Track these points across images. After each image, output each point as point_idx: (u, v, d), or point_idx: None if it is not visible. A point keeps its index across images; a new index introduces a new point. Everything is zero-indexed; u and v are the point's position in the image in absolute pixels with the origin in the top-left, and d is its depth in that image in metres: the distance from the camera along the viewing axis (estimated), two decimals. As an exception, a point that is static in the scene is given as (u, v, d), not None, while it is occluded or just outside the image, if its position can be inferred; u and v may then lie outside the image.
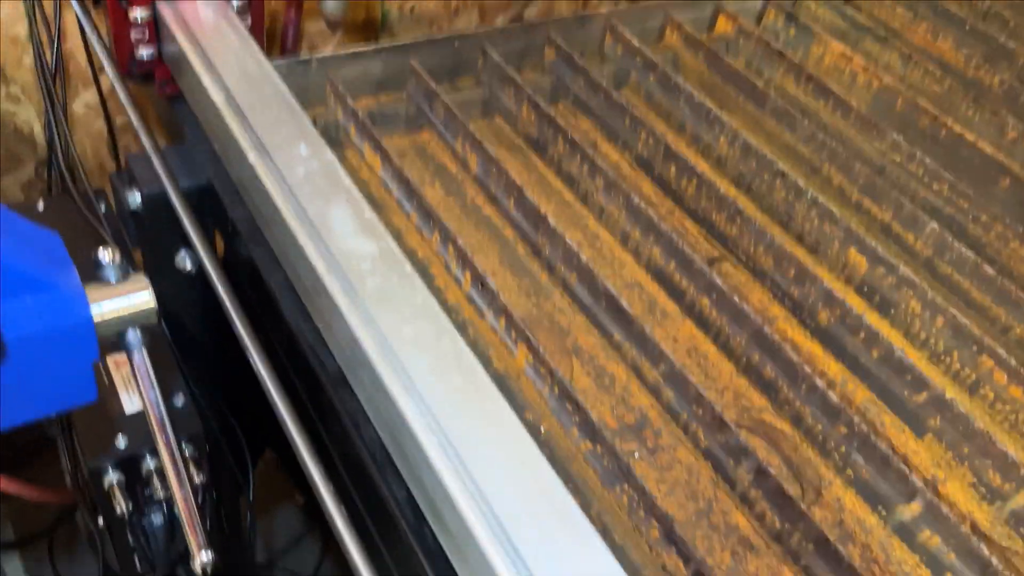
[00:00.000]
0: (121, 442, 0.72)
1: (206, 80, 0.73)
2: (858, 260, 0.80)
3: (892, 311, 0.79)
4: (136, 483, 0.73)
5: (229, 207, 0.75)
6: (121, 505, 0.71)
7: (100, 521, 0.76)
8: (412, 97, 0.92)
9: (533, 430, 0.67)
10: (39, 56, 1.08)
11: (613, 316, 0.73)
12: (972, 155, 0.91)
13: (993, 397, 0.73)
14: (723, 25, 1.09)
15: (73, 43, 1.11)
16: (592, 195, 0.85)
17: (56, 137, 1.10)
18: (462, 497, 0.47)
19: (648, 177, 0.91)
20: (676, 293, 0.79)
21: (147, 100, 1.06)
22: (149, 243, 0.81)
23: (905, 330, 0.78)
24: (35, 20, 1.05)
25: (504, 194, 0.82)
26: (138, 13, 0.78)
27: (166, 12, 0.79)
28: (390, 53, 0.92)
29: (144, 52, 0.81)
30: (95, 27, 0.88)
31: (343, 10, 1.10)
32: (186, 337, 0.87)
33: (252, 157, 0.66)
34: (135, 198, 0.76)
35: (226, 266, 0.73)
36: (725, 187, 0.87)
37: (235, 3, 0.82)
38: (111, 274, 0.54)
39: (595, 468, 0.64)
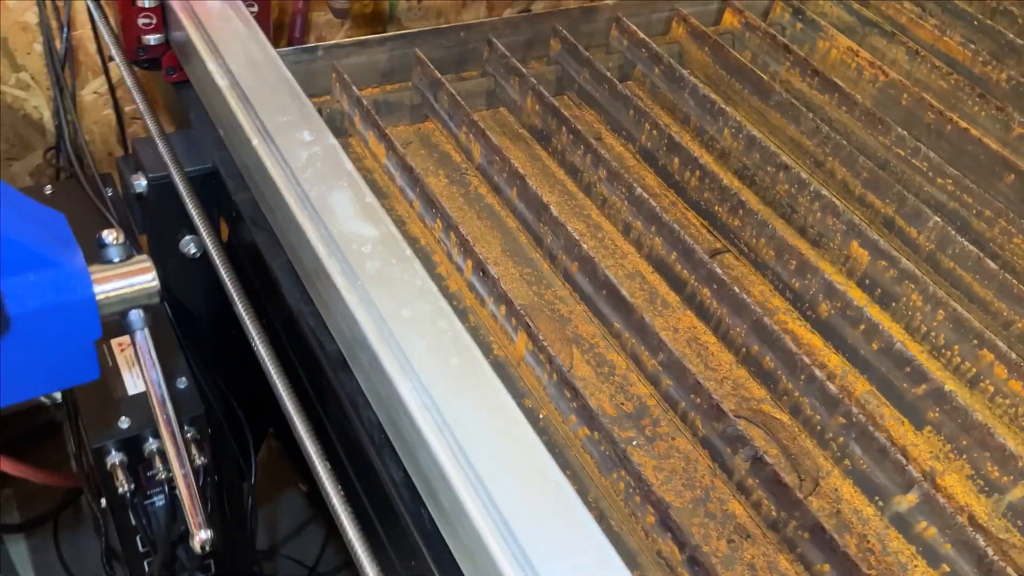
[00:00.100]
0: (124, 423, 0.72)
1: (212, 66, 0.73)
2: (860, 253, 0.81)
3: (893, 304, 0.79)
4: (138, 464, 0.74)
5: (233, 191, 0.76)
6: (123, 485, 0.71)
7: (103, 502, 0.77)
8: (417, 87, 0.92)
9: (532, 417, 0.67)
10: (49, 44, 1.09)
11: (613, 305, 0.73)
12: (977, 150, 0.91)
13: (993, 391, 0.73)
14: (730, 19, 1.09)
15: (83, 31, 1.12)
16: (595, 186, 0.85)
17: (64, 124, 1.11)
18: (456, 475, 0.47)
19: (651, 169, 0.91)
20: (677, 284, 0.79)
21: (154, 87, 1.06)
22: (154, 227, 0.81)
23: (906, 324, 0.78)
24: (45, 8, 1.06)
25: (507, 184, 0.82)
26: (146, 0, 0.78)
27: (174, 0, 0.80)
28: (396, 43, 0.92)
29: (151, 39, 0.81)
30: (104, 15, 0.89)
31: (349, 1, 1.10)
32: (190, 320, 0.87)
33: (256, 142, 0.67)
34: (141, 182, 0.77)
35: (230, 250, 0.74)
36: (728, 179, 0.87)
37: (242, -9, 0.83)
38: (115, 254, 0.55)
39: (592, 455, 0.64)
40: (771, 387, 0.72)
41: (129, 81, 0.78)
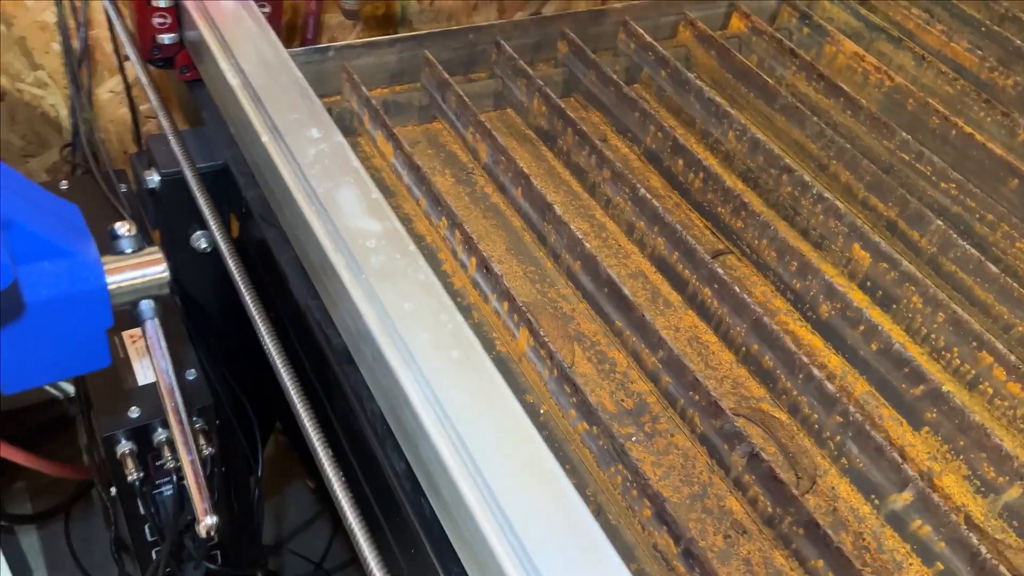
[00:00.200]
0: (134, 412, 0.74)
1: (224, 65, 0.75)
2: (861, 255, 0.81)
3: (894, 307, 0.80)
4: (147, 453, 0.75)
5: (243, 188, 0.77)
6: (133, 473, 0.73)
7: (113, 491, 0.79)
8: (426, 87, 0.93)
9: (533, 412, 0.68)
10: (66, 43, 1.11)
11: (615, 303, 0.74)
12: (982, 155, 0.92)
13: (992, 393, 0.74)
14: (737, 23, 1.10)
15: (99, 31, 1.14)
16: (599, 186, 0.86)
17: (81, 121, 1.13)
18: (455, 465, 0.48)
19: (656, 170, 0.92)
20: (679, 284, 0.80)
21: (169, 86, 1.08)
22: (166, 222, 0.83)
23: (907, 326, 0.79)
24: (63, 7, 1.08)
25: (512, 183, 0.83)
26: (161, 0, 0.80)
27: (188, 0, 0.81)
28: (406, 44, 0.93)
29: (166, 38, 0.83)
30: (120, 14, 0.91)
31: (361, 2, 1.12)
32: (200, 314, 0.89)
33: (265, 139, 0.68)
34: (153, 178, 0.79)
35: (239, 246, 0.76)
36: (732, 182, 0.88)
37: (255, -8, 0.84)
38: (127, 246, 0.56)
39: (591, 449, 0.65)
40: (770, 386, 0.73)
41: (144, 79, 0.80)
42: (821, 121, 0.92)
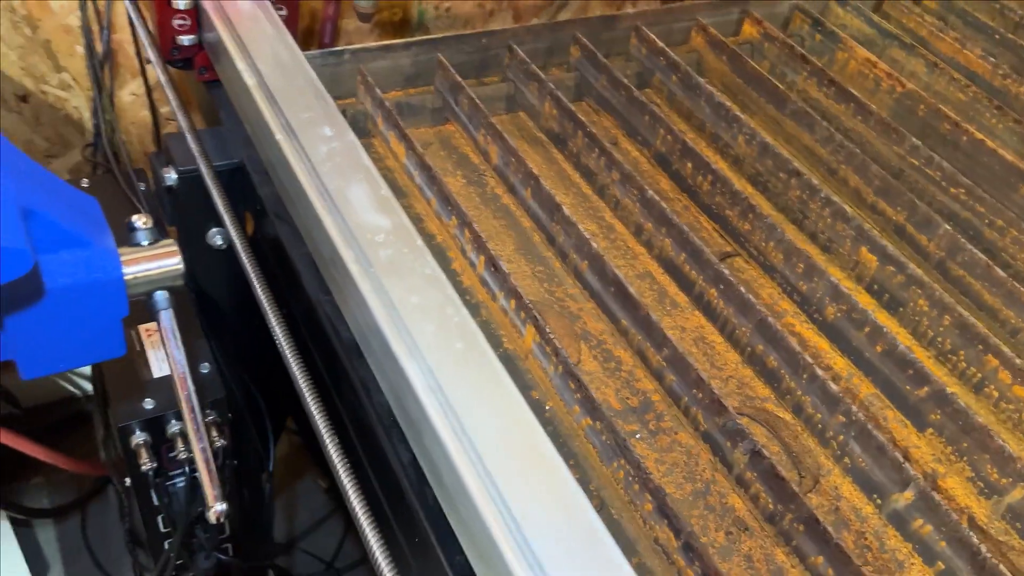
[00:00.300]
0: (148, 404, 0.76)
1: (241, 65, 0.77)
2: (869, 259, 0.82)
3: (901, 310, 0.80)
4: (161, 444, 0.77)
5: (258, 186, 0.79)
6: (146, 463, 0.74)
7: (127, 481, 0.80)
8: (439, 90, 0.95)
9: (539, 408, 0.69)
10: (90, 46, 1.14)
11: (621, 303, 0.75)
12: (992, 161, 0.92)
13: (998, 396, 0.74)
14: (749, 30, 1.11)
15: (122, 35, 1.17)
16: (608, 188, 0.87)
17: (103, 123, 1.15)
18: (455, 449, 0.49)
19: (665, 173, 0.93)
20: (686, 284, 0.80)
21: (189, 89, 1.11)
22: (183, 219, 0.85)
23: (913, 328, 0.79)
24: (87, 11, 1.10)
25: (522, 184, 0.85)
26: (181, 1, 0.82)
27: (207, 3, 0.83)
28: (420, 48, 0.95)
29: (185, 39, 0.85)
30: (143, 18, 0.93)
31: (375, 5, 1.14)
32: (214, 310, 0.91)
33: (279, 137, 0.70)
34: (171, 175, 0.81)
35: (254, 243, 0.77)
36: (741, 185, 0.89)
37: (273, -5, 0.87)
38: (143, 238, 0.58)
39: (594, 444, 0.66)
40: (775, 386, 0.73)
41: (163, 79, 0.82)
42: (831, 126, 0.93)
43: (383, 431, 0.62)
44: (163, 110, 1.26)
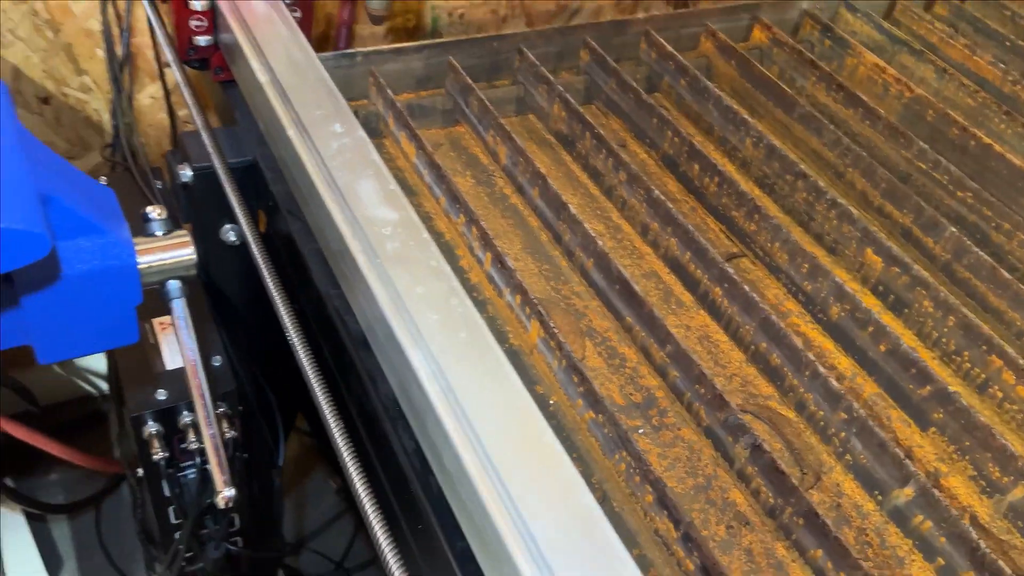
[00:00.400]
0: (161, 395, 0.77)
1: (255, 65, 0.79)
2: (874, 260, 0.82)
3: (906, 311, 0.80)
4: (173, 435, 0.79)
5: (271, 182, 0.81)
6: (158, 453, 0.76)
7: (140, 471, 0.82)
8: (450, 92, 0.96)
9: (543, 403, 0.70)
10: (110, 49, 1.16)
11: (626, 300, 0.76)
12: (1000, 166, 0.92)
13: (1002, 396, 0.74)
14: (758, 35, 1.12)
15: (141, 38, 1.19)
16: (616, 189, 0.88)
17: (121, 124, 1.18)
18: (457, 436, 0.50)
19: (672, 175, 0.94)
20: (691, 284, 0.81)
21: (206, 90, 1.13)
22: (197, 215, 0.87)
23: (918, 329, 0.80)
24: (107, 15, 1.13)
25: (529, 183, 0.86)
26: (198, 3, 0.84)
27: (223, 4, 0.86)
28: (432, 50, 0.97)
29: (202, 40, 0.87)
30: (162, 21, 0.95)
31: (387, 8, 1.16)
32: (227, 306, 0.92)
33: (291, 133, 0.72)
34: (186, 172, 0.83)
35: (266, 240, 0.79)
36: (748, 187, 0.90)
37: (288, -2, 0.89)
38: (157, 228, 0.60)
39: (597, 437, 0.67)
40: (778, 384, 0.74)
41: (180, 78, 0.84)
42: (839, 130, 0.94)
43: (388, 420, 0.63)
44: (181, 113, 1.29)
